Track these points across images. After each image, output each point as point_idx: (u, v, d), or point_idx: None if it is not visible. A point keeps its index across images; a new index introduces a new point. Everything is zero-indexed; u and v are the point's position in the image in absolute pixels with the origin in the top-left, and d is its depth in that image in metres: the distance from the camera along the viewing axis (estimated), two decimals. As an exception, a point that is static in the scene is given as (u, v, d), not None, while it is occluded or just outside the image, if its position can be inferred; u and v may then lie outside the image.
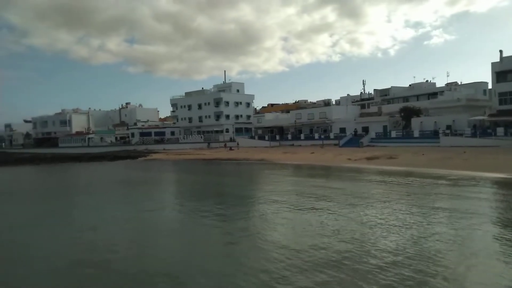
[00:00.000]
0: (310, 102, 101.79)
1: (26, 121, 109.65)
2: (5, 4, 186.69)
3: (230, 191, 21.90)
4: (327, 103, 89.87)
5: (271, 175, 29.55)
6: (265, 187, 22.72)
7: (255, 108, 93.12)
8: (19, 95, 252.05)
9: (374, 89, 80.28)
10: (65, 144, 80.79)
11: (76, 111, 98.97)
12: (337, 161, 35.92)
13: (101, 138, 79.72)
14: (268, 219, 13.45)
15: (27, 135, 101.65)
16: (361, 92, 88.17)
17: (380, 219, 12.50)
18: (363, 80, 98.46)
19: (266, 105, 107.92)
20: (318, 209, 14.58)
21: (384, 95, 73.26)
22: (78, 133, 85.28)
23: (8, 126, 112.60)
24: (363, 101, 78.20)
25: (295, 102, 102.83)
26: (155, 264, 9.07)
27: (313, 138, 62.02)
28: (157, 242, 11.31)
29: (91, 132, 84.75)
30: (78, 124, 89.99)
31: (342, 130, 60.34)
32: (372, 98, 78.42)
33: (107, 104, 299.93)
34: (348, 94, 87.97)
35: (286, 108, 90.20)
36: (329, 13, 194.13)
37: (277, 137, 68.69)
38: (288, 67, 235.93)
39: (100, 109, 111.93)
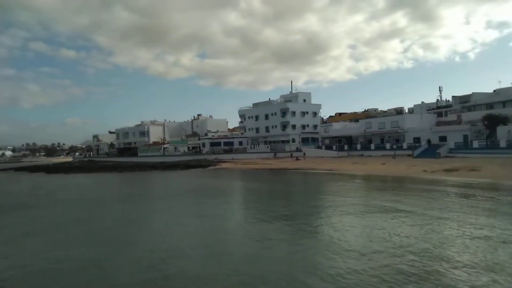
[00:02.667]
0: (381, 110, 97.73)
1: (110, 132, 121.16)
2: (96, 28, 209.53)
3: (300, 203, 21.95)
4: (399, 111, 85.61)
5: (341, 185, 28.92)
6: (337, 198, 22.33)
7: (322, 118, 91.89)
8: (105, 108, 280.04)
9: (453, 96, 74.57)
10: (143, 154, 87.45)
11: (153, 122, 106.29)
12: (411, 172, 34.05)
13: (175, 148, 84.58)
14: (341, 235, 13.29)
15: (111, 145, 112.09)
16: (437, 100, 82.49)
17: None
18: (439, 87, 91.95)
19: (334, 115, 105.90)
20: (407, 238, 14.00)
21: (464, 102, 67.75)
22: (155, 143, 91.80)
23: (95, 136, 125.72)
24: (439, 109, 73.02)
25: (365, 110, 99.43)
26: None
27: (384, 148, 59.41)
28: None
29: (166, 142, 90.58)
30: (155, 134, 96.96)
31: (416, 140, 56.92)
32: (450, 106, 72.91)
33: (181, 116, 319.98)
34: (422, 102, 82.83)
35: (354, 117, 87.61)
36: (400, 18, 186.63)
37: (345, 147, 66.97)
38: (356, 75, 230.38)
39: (174, 121, 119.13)
